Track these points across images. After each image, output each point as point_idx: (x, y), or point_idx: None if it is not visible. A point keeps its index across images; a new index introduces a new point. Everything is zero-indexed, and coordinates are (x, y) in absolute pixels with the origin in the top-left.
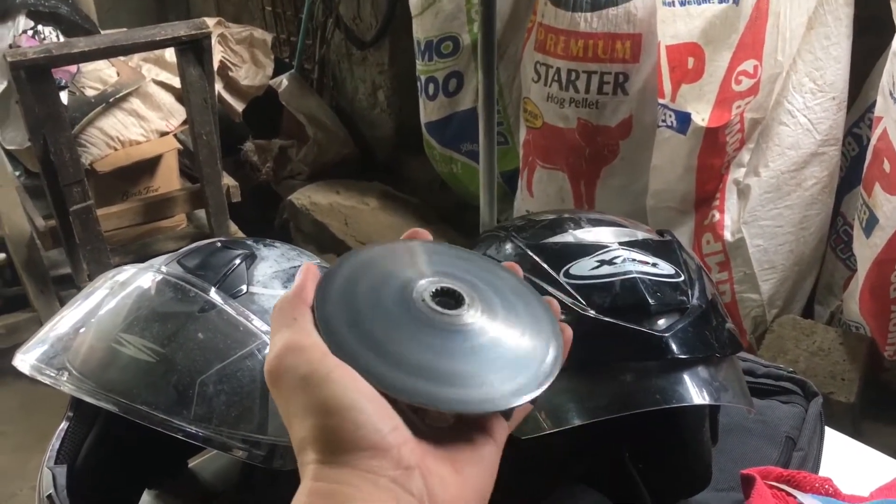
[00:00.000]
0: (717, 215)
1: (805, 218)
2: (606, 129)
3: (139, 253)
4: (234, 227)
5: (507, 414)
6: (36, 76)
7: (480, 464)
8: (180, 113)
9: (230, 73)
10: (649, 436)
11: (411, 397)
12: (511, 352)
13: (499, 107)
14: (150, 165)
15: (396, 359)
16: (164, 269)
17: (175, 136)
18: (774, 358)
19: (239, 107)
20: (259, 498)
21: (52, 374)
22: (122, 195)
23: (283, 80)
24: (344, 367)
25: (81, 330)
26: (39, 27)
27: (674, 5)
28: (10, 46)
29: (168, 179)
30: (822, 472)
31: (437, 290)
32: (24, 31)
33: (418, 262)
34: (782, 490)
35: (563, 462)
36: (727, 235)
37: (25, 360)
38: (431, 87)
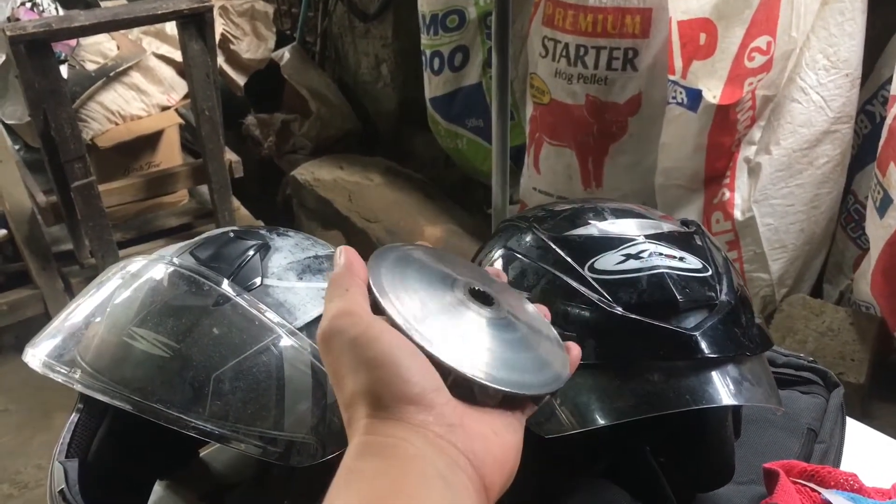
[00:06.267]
0: (728, 194)
1: (816, 196)
2: (615, 106)
3: (141, 229)
4: (236, 203)
5: (538, 399)
6: (36, 50)
7: (513, 433)
8: (181, 87)
9: (231, 46)
10: (672, 431)
11: (467, 371)
12: (537, 347)
13: None
14: (151, 140)
15: (446, 339)
16: (176, 260)
17: (176, 110)
18: (784, 338)
19: (240, 80)
20: (276, 493)
21: (64, 372)
22: (124, 170)
23: (285, 53)
24: (394, 331)
25: (92, 323)
26: None
27: None
28: (9, 19)
29: (170, 154)
30: (844, 463)
31: (470, 289)
32: (23, 4)
33: (446, 264)
34: (807, 486)
35: (584, 457)
36: (737, 214)
37: (36, 356)
38: (437, 62)
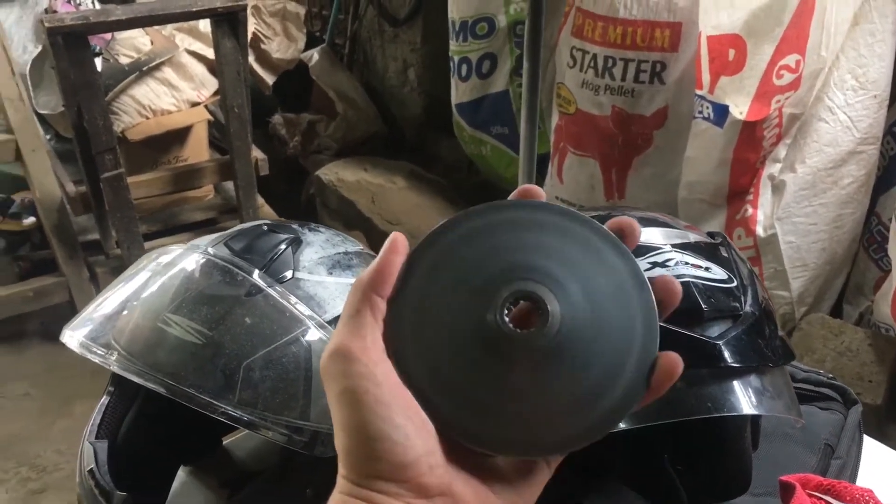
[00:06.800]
0: (750, 210)
1: (839, 216)
2: (641, 118)
3: (167, 222)
4: (260, 200)
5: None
6: (73, 43)
7: (520, 486)
8: (212, 84)
9: (262, 46)
10: (690, 438)
11: (464, 438)
12: (587, 379)
13: None
14: (180, 135)
15: (456, 390)
16: (210, 250)
17: (206, 106)
18: (801, 357)
19: (269, 79)
20: (299, 482)
21: (101, 353)
22: (152, 164)
23: (314, 55)
24: (388, 385)
25: (128, 308)
26: None
27: None
28: (46, 10)
29: (197, 150)
30: (859, 481)
31: (516, 296)
32: None
33: (516, 243)
34: (822, 500)
35: (602, 462)
36: (759, 231)
37: (74, 337)
38: (464, 68)
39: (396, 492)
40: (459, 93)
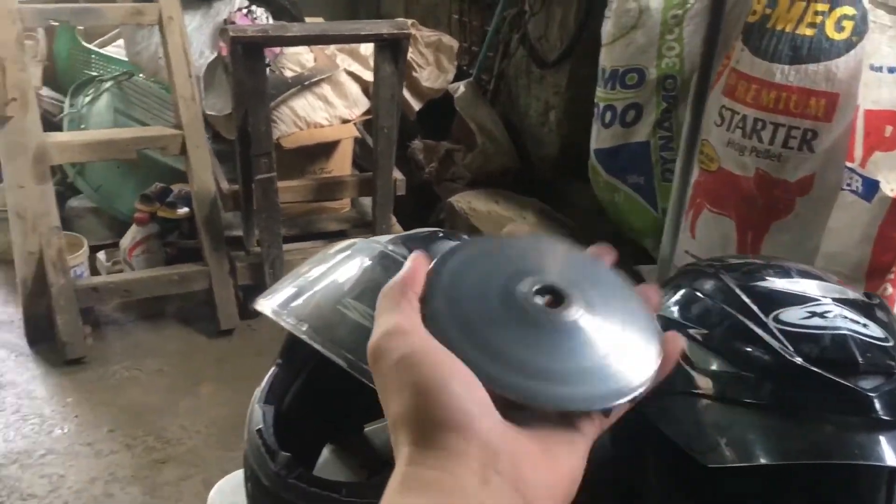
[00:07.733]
0: (890, 289)
1: None
2: (785, 184)
3: (304, 228)
4: (393, 219)
5: (606, 412)
6: (250, 52)
7: (572, 451)
8: (364, 104)
9: (413, 73)
10: (828, 486)
11: (514, 393)
12: (611, 350)
13: (672, 144)
14: (328, 148)
15: (499, 354)
16: (390, 247)
17: (355, 124)
18: None
19: (416, 106)
20: None
21: (292, 322)
22: (300, 172)
23: (461, 87)
24: (443, 351)
25: (312, 289)
26: (253, 7)
27: (881, 71)
28: (225, 21)
29: (341, 164)
30: None
31: (540, 287)
32: (239, 9)
33: (523, 258)
34: None
35: (732, 495)
36: None
37: (267, 305)
38: (608, 115)
39: (464, 448)
40: (600, 139)
